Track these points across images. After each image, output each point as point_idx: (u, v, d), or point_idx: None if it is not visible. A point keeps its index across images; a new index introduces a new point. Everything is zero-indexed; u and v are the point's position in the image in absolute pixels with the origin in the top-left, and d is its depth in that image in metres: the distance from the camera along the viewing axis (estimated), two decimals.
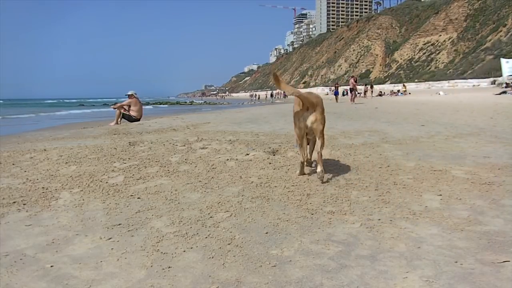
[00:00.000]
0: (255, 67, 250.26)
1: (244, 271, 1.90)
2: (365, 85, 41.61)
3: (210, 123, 9.87)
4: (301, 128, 3.46)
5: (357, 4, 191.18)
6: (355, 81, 24.52)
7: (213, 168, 4.10)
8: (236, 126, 8.84)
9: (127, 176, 3.78)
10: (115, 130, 8.78)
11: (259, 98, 78.76)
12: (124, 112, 11.60)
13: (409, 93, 42.29)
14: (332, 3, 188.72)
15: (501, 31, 67.58)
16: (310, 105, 3.40)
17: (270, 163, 4.22)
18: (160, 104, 54.69)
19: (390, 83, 74.24)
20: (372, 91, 39.00)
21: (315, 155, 3.75)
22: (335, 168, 3.99)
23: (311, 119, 3.41)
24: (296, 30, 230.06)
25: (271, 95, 69.25)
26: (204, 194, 3.19)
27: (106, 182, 3.58)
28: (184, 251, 2.14)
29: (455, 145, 5.43)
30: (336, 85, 30.79)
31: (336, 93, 29.16)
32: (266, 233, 2.37)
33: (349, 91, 25.99)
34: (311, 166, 3.93)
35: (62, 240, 2.33)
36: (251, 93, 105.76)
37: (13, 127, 15.30)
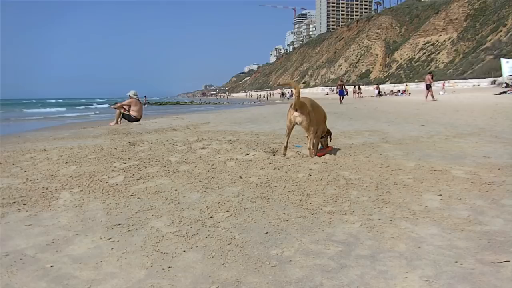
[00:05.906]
0: (255, 67, 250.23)
1: (244, 271, 1.90)
2: (354, 86, 41.31)
3: (210, 123, 9.87)
4: (290, 121, 4.62)
5: (357, 4, 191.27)
6: (432, 78, 22.68)
7: (213, 168, 4.10)
8: (236, 126, 8.85)
9: (127, 176, 3.78)
10: (115, 130, 8.79)
11: (267, 98, 71.99)
12: (124, 112, 11.61)
13: (409, 93, 42.26)
14: (332, 3, 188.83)
15: (501, 31, 67.43)
16: (298, 106, 4.55)
17: (270, 163, 4.21)
18: (160, 104, 54.53)
19: (390, 83, 74.16)
20: (360, 92, 38.41)
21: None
22: (335, 168, 3.99)
23: (295, 114, 4.57)
24: (296, 30, 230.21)
25: (282, 94, 68.45)
26: (204, 194, 3.18)
27: (106, 182, 3.58)
28: (184, 251, 2.13)
29: (455, 145, 5.43)
30: (341, 83, 25.48)
31: (341, 93, 24.27)
32: (266, 233, 2.36)
33: (424, 88, 23.23)
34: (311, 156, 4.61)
35: (62, 240, 2.33)
36: (250, 93, 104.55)
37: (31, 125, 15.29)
